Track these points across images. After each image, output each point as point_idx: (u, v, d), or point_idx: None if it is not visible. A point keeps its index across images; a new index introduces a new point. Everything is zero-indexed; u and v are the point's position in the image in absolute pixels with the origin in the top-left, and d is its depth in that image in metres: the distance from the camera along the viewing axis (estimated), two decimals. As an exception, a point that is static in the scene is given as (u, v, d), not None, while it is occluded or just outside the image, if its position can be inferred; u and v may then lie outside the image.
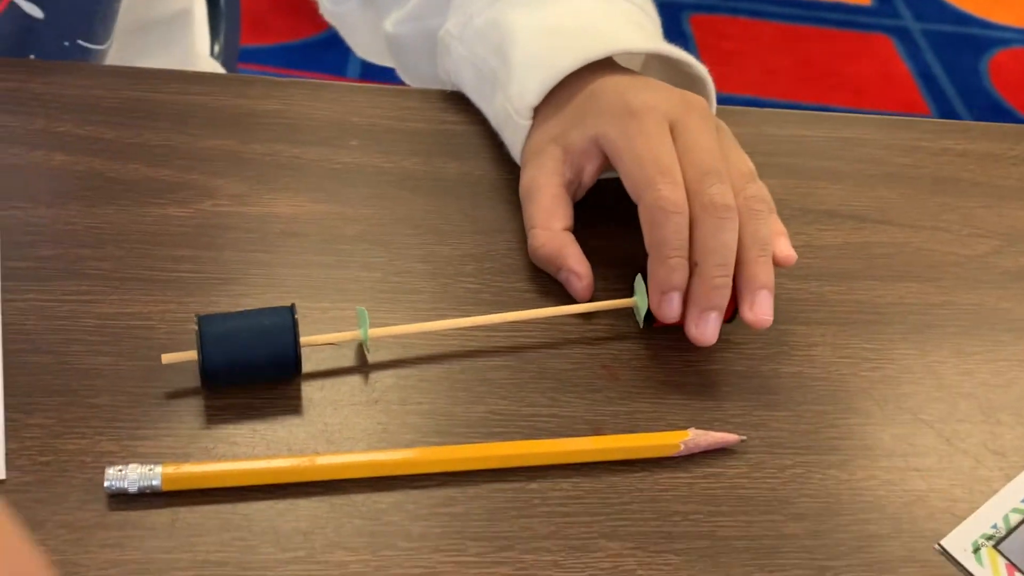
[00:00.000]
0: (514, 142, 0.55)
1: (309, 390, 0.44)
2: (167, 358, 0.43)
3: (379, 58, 0.74)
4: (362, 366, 0.46)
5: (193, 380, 0.44)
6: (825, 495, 0.43)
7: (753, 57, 2.12)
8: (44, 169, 0.52)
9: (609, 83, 0.51)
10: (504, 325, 0.48)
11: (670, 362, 0.48)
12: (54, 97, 0.56)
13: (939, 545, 0.42)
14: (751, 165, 0.50)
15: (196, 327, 0.42)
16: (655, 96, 0.49)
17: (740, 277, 0.46)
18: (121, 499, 0.39)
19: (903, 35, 2.24)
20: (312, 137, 0.57)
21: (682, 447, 0.43)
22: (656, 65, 0.58)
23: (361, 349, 0.46)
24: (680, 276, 0.45)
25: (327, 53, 1.96)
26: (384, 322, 0.47)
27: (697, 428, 0.44)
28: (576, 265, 0.49)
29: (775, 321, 0.50)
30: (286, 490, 0.41)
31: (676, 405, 0.46)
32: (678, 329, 0.48)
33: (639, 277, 0.48)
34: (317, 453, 0.42)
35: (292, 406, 0.44)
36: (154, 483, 0.39)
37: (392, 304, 0.49)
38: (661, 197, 0.45)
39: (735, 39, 2.17)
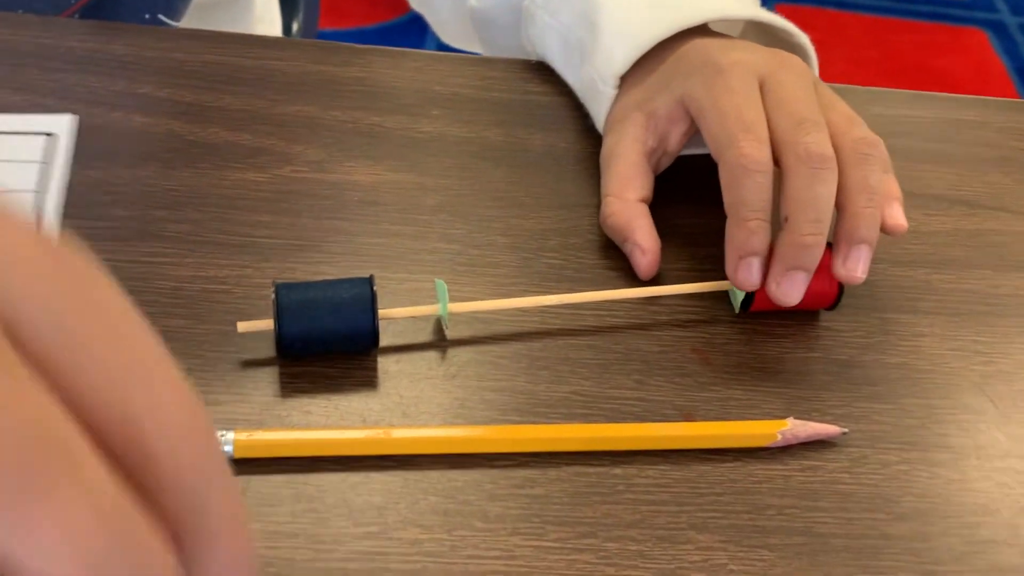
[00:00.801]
0: (598, 112, 0.52)
1: (385, 362, 0.43)
2: (243, 326, 0.41)
3: (464, 41, 0.72)
4: (440, 340, 0.44)
5: (268, 348, 0.42)
6: (933, 495, 0.40)
7: (839, 49, 2.05)
8: (123, 130, 0.51)
9: (698, 45, 0.48)
10: (588, 303, 0.46)
11: (766, 348, 0.45)
12: (135, 59, 0.56)
13: (1060, 555, 0.39)
14: (859, 118, 0.46)
15: (273, 295, 0.41)
16: (745, 54, 0.46)
17: (840, 227, 0.43)
18: (191, 465, 0.38)
19: (999, 29, 2.15)
20: (393, 105, 0.55)
21: (780, 437, 0.40)
22: (753, 35, 0.55)
23: (439, 323, 0.44)
24: (760, 240, 0.42)
25: (404, 38, 1.95)
26: (462, 296, 0.45)
27: (795, 418, 0.41)
28: (642, 239, 0.46)
29: (879, 309, 0.47)
30: (360, 463, 0.39)
31: (771, 393, 0.43)
32: (776, 315, 0.45)
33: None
34: (392, 426, 0.40)
35: (368, 378, 0.42)
36: (226, 449, 0.38)
37: (471, 277, 0.47)
38: (742, 154, 0.42)
39: (821, 30, 2.11)
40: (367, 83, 0.56)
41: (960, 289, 0.49)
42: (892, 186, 0.46)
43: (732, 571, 0.37)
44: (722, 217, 0.45)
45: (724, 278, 0.45)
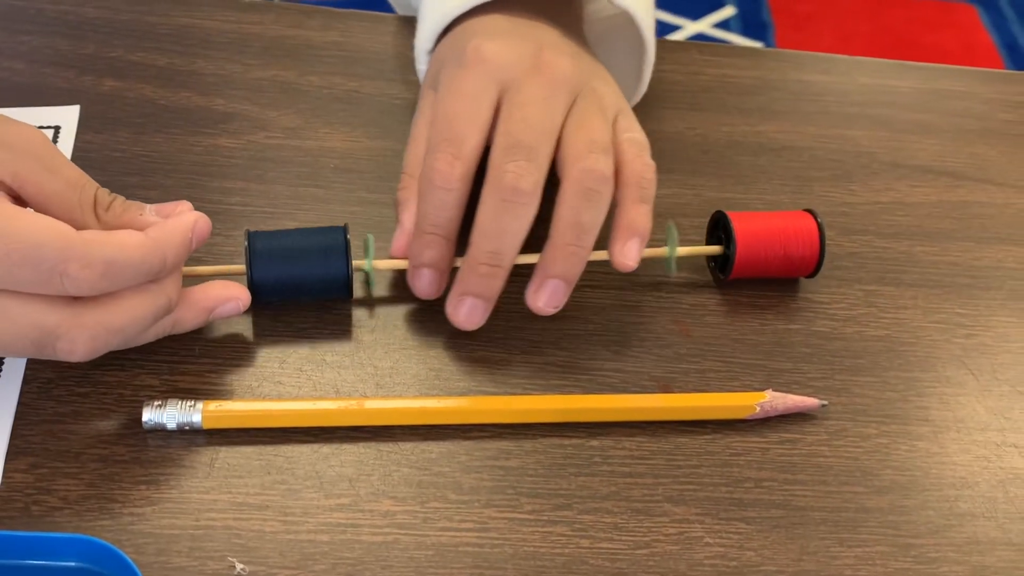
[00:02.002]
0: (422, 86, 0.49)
1: (359, 332, 0.42)
2: (212, 269, 0.41)
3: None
4: (415, 310, 0.43)
5: (239, 317, 0.41)
6: (912, 468, 0.40)
7: (829, 22, 2.04)
8: (95, 93, 0.50)
9: (480, 25, 0.45)
10: (568, 273, 0.45)
11: (746, 320, 0.44)
12: (106, 22, 0.54)
13: (1038, 529, 0.38)
14: (632, 137, 0.43)
15: (246, 242, 0.40)
16: (503, 49, 0.42)
17: (541, 258, 0.41)
18: (159, 435, 0.37)
19: (989, 5, 2.14)
20: (371, 71, 0.54)
21: (758, 409, 0.40)
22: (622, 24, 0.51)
23: (413, 294, 0.43)
24: (432, 254, 0.40)
25: (381, 2, 1.93)
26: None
27: (774, 390, 0.41)
28: (405, 217, 0.42)
29: (861, 281, 0.46)
30: (332, 434, 0.38)
31: (751, 365, 0.42)
32: (756, 285, 0.45)
33: (671, 225, 0.44)
34: (365, 397, 0.39)
35: (341, 348, 0.41)
36: (194, 419, 0.37)
37: (449, 246, 0.46)
38: (433, 168, 0.40)
39: (810, 3, 2.09)
40: (345, 48, 0.55)
41: (943, 261, 0.48)
42: (640, 219, 0.42)
43: (708, 544, 0.37)
44: (692, 189, 0.44)
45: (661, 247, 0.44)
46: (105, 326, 0.35)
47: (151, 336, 0.38)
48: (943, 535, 0.38)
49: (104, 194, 0.38)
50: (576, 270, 0.41)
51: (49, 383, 0.39)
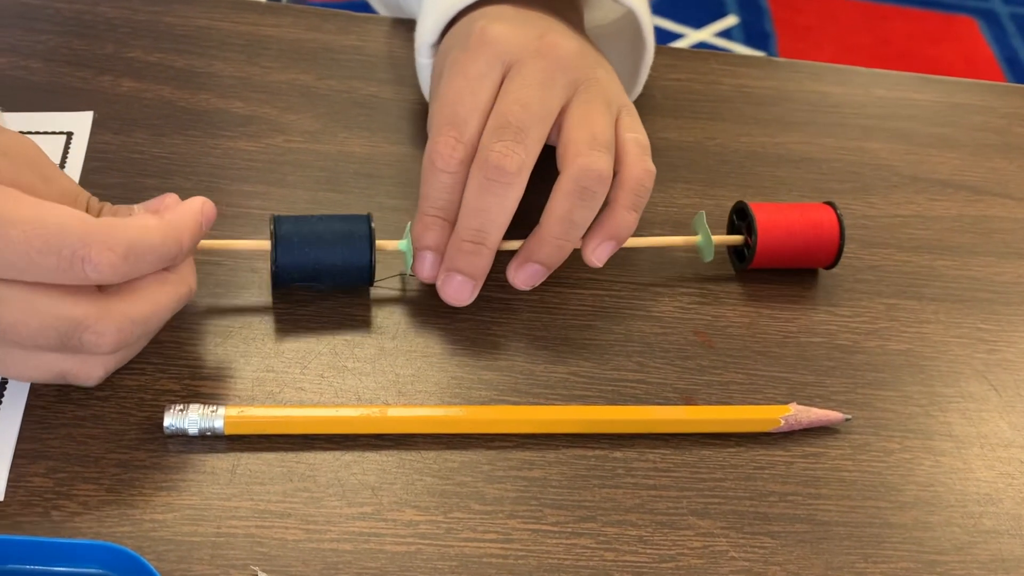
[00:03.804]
0: (422, 82, 0.50)
1: (381, 339, 0.41)
2: (236, 243, 0.40)
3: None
4: (436, 317, 0.43)
5: (260, 322, 0.41)
6: (936, 484, 0.40)
7: (830, 34, 2.04)
8: (112, 95, 0.50)
9: (487, 11, 0.44)
10: (591, 281, 0.45)
11: (768, 332, 0.44)
12: (124, 22, 0.54)
13: (1063, 547, 0.38)
14: (636, 138, 0.42)
15: (271, 226, 0.40)
16: (508, 31, 0.42)
17: (527, 241, 0.41)
18: (180, 440, 0.37)
19: (990, 18, 2.15)
20: (390, 75, 0.54)
21: (782, 423, 0.40)
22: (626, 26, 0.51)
23: (435, 301, 0.43)
24: (433, 236, 0.41)
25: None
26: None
27: (798, 404, 0.40)
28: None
29: (883, 295, 0.46)
30: (354, 442, 0.38)
31: (774, 378, 0.42)
32: (775, 294, 0.45)
33: (699, 214, 0.45)
34: (388, 404, 0.39)
35: (363, 355, 0.41)
36: (216, 425, 0.37)
37: (469, 254, 0.45)
38: (434, 150, 0.40)
39: (812, 14, 2.10)
40: (363, 52, 0.55)
41: (964, 276, 0.48)
42: (625, 226, 0.42)
43: (733, 558, 0.36)
44: (712, 199, 0.44)
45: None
46: (131, 317, 0.35)
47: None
48: (968, 552, 0.38)
49: (95, 201, 0.38)
50: (559, 260, 0.41)
51: (68, 386, 0.38)
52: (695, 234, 0.45)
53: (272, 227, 0.40)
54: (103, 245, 0.33)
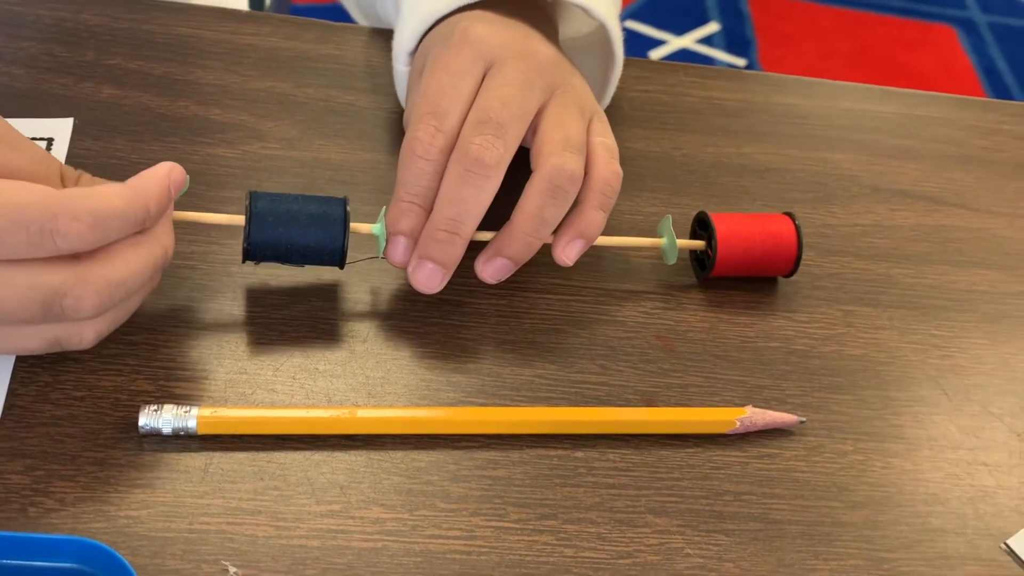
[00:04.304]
0: (399, 89, 0.51)
1: (352, 342, 0.43)
2: (210, 216, 0.41)
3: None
4: (406, 321, 0.44)
5: (233, 325, 0.42)
6: (886, 484, 0.41)
7: (810, 41, 2.07)
8: (93, 101, 0.51)
9: (468, 15, 0.46)
10: (558, 287, 0.46)
11: (727, 337, 0.45)
12: (105, 30, 0.55)
13: (1005, 544, 0.40)
14: (605, 142, 0.44)
15: (247, 201, 0.41)
16: (491, 31, 0.44)
17: (498, 235, 0.43)
18: (154, 440, 0.38)
19: (968, 27, 2.18)
20: (366, 84, 0.55)
21: (738, 424, 0.41)
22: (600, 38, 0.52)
23: (405, 305, 0.44)
24: (408, 222, 0.42)
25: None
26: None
27: (754, 407, 0.42)
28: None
29: (841, 301, 0.48)
30: (324, 442, 0.39)
31: (732, 381, 0.44)
32: (736, 301, 0.46)
33: (665, 218, 0.46)
34: (357, 406, 0.40)
35: (334, 357, 0.42)
36: (189, 425, 0.38)
37: (441, 259, 0.47)
38: (414, 137, 0.41)
39: (793, 21, 2.12)
40: (341, 61, 0.56)
41: (920, 283, 0.50)
42: (594, 225, 0.43)
43: (688, 555, 0.38)
44: (678, 207, 0.45)
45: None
46: (108, 279, 0.36)
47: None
48: (915, 550, 0.39)
49: (69, 169, 0.39)
50: (527, 256, 0.43)
51: (46, 386, 0.39)
52: (658, 234, 0.47)
53: (248, 202, 0.41)
54: (69, 216, 0.34)
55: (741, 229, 0.46)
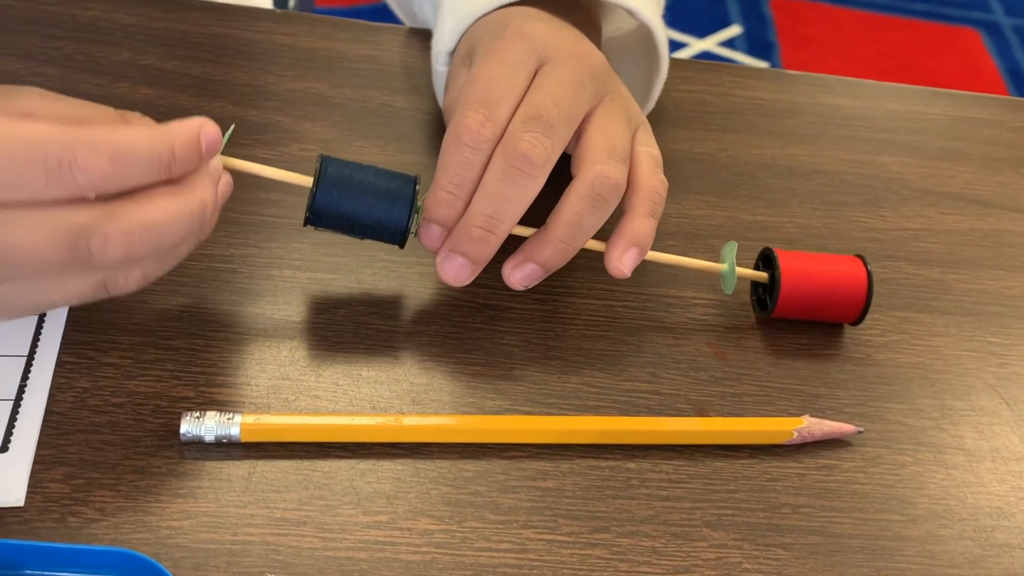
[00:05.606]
0: (437, 89, 0.50)
1: (394, 348, 0.42)
2: (274, 171, 0.39)
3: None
4: (449, 326, 0.43)
5: (276, 328, 0.41)
6: (947, 497, 0.40)
7: (833, 44, 2.05)
8: (128, 102, 0.50)
9: (507, 13, 0.45)
10: (602, 292, 0.45)
11: (780, 345, 0.44)
12: (140, 29, 0.54)
13: (1074, 561, 0.38)
14: (650, 152, 0.43)
15: (317, 164, 0.39)
16: (545, 29, 0.43)
17: (530, 239, 0.41)
18: (196, 447, 0.37)
19: (993, 30, 2.16)
20: (404, 85, 0.54)
21: (795, 435, 0.40)
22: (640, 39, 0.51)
23: (447, 310, 0.43)
24: (444, 212, 0.40)
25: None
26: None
27: (810, 416, 0.41)
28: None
29: (895, 308, 0.46)
30: (369, 450, 0.38)
31: (786, 391, 0.42)
32: (794, 321, 0.45)
33: (730, 244, 0.44)
34: (402, 413, 0.39)
35: (377, 363, 0.41)
36: (232, 433, 0.37)
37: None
38: (462, 124, 0.40)
39: (815, 24, 2.10)
40: (378, 61, 0.55)
41: (975, 289, 0.48)
42: (646, 231, 0.42)
43: (747, 570, 0.36)
44: (724, 211, 0.44)
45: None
46: (137, 220, 0.34)
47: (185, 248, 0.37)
48: (980, 565, 0.38)
49: (130, 113, 0.37)
50: (559, 264, 0.41)
51: (84, 392, 0.38)
52: (720, 259, 0.44)
53: (318, 165, 0.39)
54: (88, 149, 0.32)
55: (809, 272, 0.43)
